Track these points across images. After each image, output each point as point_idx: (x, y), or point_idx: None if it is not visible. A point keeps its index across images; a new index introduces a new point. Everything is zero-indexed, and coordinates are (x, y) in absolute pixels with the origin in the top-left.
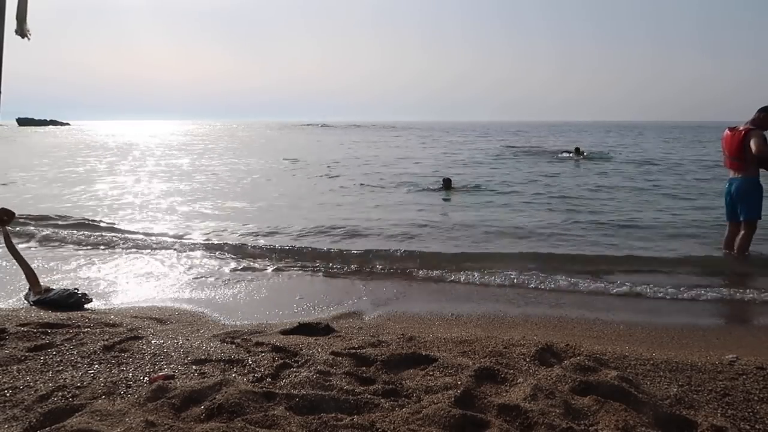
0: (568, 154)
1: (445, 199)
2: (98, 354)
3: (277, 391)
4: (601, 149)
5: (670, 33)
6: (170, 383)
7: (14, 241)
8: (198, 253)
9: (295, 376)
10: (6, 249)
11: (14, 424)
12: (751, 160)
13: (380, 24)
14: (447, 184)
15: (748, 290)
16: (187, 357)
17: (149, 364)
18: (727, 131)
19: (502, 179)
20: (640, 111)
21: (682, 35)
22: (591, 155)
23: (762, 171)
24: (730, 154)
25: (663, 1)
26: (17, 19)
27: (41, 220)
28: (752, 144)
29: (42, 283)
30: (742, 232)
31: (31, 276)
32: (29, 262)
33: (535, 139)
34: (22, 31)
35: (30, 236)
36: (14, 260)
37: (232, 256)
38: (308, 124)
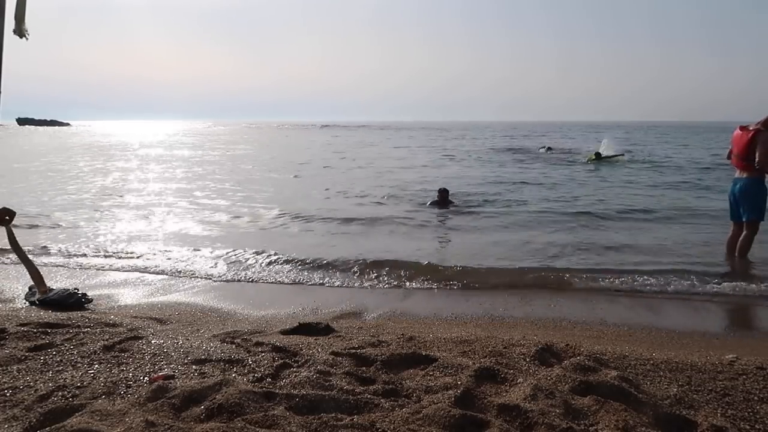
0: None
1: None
2: (98, 354)
3: (277, 391)
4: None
5: (675, 31)
6: (170, 383)
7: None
8: (204, 251)
9: (295, 376)
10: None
11: (14, 424)
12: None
13: (380, 24)
14: (443, 196)
15: (748, 291)
16: (187, 357)
17: (149, 364)
18: (737, 129)
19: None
20: (643, 111)
21: (687, 34)
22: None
23: None
24: (737, 153)
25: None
26: (16, 18)
27: None
28: (758, 151)
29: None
30: (744, 233)
31: (36, 276)
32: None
33: (569, 141)
34: (20, 30)
35: None
36: (21, 261)
37: (235, 257)
38: (325, 125)
